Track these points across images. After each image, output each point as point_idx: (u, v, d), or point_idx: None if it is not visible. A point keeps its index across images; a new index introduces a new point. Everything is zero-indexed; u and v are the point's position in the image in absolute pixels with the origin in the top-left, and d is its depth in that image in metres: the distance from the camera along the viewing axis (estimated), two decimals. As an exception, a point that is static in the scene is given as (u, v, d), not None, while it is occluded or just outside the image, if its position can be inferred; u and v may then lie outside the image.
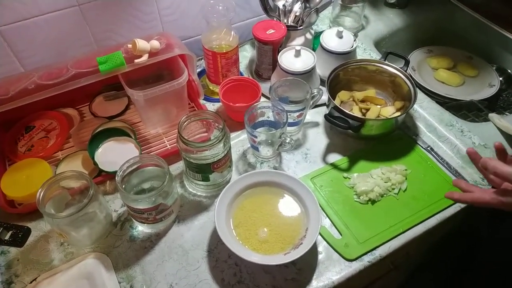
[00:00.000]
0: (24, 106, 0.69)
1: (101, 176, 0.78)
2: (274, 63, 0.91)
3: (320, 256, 0.68)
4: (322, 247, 0.69)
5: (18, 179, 0.75)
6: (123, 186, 0.66)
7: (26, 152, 0.82)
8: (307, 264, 0.67)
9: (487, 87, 1.03)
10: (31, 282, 0.66)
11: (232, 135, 0.87)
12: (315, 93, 0.82)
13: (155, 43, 0.74)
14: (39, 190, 0.63)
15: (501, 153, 0.60)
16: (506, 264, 0.89)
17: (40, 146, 0.83)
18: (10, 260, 0.69)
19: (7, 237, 0.60)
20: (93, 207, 0.67)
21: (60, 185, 0.68)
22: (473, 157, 0.63)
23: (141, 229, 0.73)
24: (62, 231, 0.66)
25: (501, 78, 1.07)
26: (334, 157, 0.82)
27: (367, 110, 0.86)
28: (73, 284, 0.66)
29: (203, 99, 0.94)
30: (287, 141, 0.75)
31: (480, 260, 0.99)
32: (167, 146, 0.84)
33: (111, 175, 0.77)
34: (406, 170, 0.78)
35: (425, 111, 0.87)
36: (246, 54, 1.04)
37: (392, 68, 0.85)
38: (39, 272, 0.67)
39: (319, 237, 0.70)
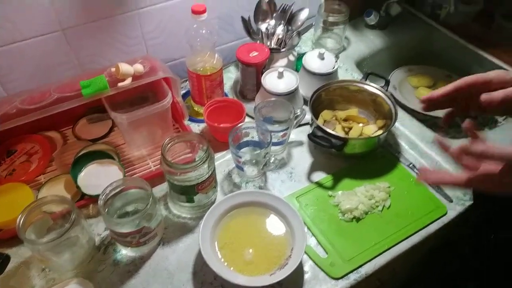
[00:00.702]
0: (5, 130, 0.68)
1: (84, 200, 0.77)
2: (258, 84, 0.92)
3: (306, 276, 0.68)
4: (308, 266, 0.69)
5: (-1, 204, 0.74)
6: (106, 210, 0.65)
7: (7, 177, 0.81)
8: (293, 284, 0.67)
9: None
10: (10, 311, 0.64)
11: (217, 155, 0.87)
12: (299, 113, 0.83)
13: (138, 67, 0.74)
14: (19, 216, 0.62)
15: (443, 145, 0.58)
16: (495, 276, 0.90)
17: (22, 170, 0.82)
18: (-11, 288, 0.67)
19: (-15, 265, 0.58)
20: (75, 231, 0.65)
21: (42, 209, 0.67)
22: (442, 144, 0.59)
23: (124, 252, 0.72)
24: (43, 257, 0.64)
25: (479, 96, 1.10)
26: (319, 176, 0.83)
27: (350, 129, 0.87)
28: (54, 312, 0.64)
29: (188, 120, 0.94)
30: (272, 160, 0.76)
31: (468, 273, 1.00)
32: (151, 168, 0.84)
33: (94, 199, 0.76)
34: (389, 187, 0.79)
35: (406, 129, 0.89)
36: (231, 76, 1.06)
37: (373, 87, 0.87)
38: (19, 300, 0.66)
39: (305, 256, 0.70)
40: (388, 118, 0.85)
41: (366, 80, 0.91)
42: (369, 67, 1.13)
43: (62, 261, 0.67)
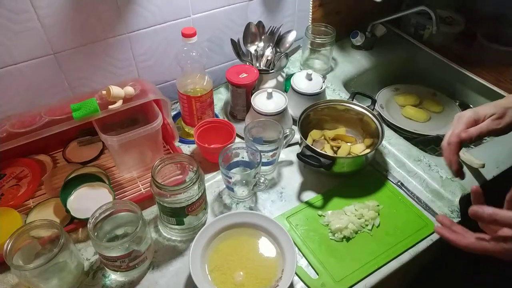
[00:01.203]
0: (-6, 154, 0.68)
1: (74, 224, 0.76)
2: (248, 105, 0.93)
3: (297, 297, 0.68)
4: (299, 287, 0.69)
5: (-14, 229, 0.73)
6: (95, 234, 0.65)
7: (-4, 201, 0.80)
8: (285, 306, 0.66)
9: (451, 121, 1.07)
10: None
11: (208, 176, 0.88)
12: (288, 133, 0.85)
13: (129, 89, 0.75)
14: (7, 242, 0.61)
15: (478, 197, 0.59)
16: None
17: (11, 195, 0.81)
18: (-26, 317, 0.66)
19: (-30, 293, 0.57)
20: (64, 256, 0.65)
21: (30, 234, 0.66)
22: (475, 198, 0.59)
23: (114, 277, 0.71)
24: (30, 284, 0.63)
25: (464, 113, 1.13)
26: (309, 195, 0.83)
27: (338, 148, 0.88)
28: None
29: (179, 141, 0.95)
30: (262, 180, 0.76)
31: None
32: (141, 190, 0.84)
33: (84, 222, 0.75)
34: (378, 205, 0.79)
35: (393, 147, 0.91)
36: (221, 97, 1.07)
37: (360, 107, 0.89)
38: (5, 329, 0.64)
39: (296, 277, 0.70)
40: (375, 137, 0.87)
41: (353, 99, 0.92)
42: (356, 87, 1.15)
43: (50, 287, 0.66)
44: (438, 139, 1.03)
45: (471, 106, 1.16)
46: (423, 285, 1.06)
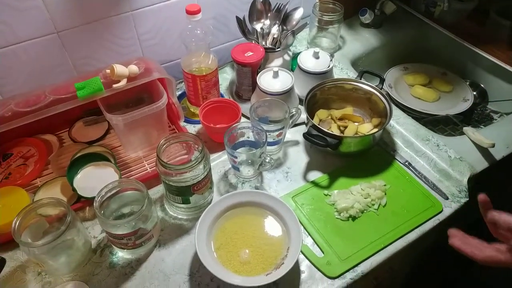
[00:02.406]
0: (1, 133, 0.68)
1: (80, 202, 0.77)
2: (254, 84, 0.92)
3: (302, 275, 0.68)
4: (304, 266, 0.69)
5: (-5, 208, 0.74)
6: (102, 212, 0.65)
7: (3, 180, 0.81)
8: (290, 283, 0.67)
9: (461, 101, 1.06)
10: (7, 315, 0.64)
11: (213, 156, 0.87)
12: (294, 113, 0.83)
13: (133, 68, 0.74)
14: (15, 219, 0.62)
15: (486, 205, 0.58)
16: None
17: (18, 174, 0.82)
18: (-14, 293, 0.67)
19: (-19, 268, 0.58)
20: (71, 234, 0.65)
21: (37, 212, 0.67)
22: (484, 207, 0.58)
23: (121, 255, 0.72)
24: (39, 261, 0.64)
25: (474, 93, 1.11)
26: (315, 175, 0.83)
27: (345, 127, 0.87)
28: (51, 315, 0.64)
29: (184, 121, 0.94)
30: (267, 160, 0.76)
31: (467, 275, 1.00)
32: (147, 170, 0.84)
33: (90, 201, 0.76)
34: (385, 185, 0.79)
35: (401, 127, 0.89)
36: (227, 76, 1.06)
37: (368, 86, 0.87)
38: (15, 304, 0.66)
39: (301, 256, 0.70)
40: (383, 116, 0.85)
41: (361, 78, 0.91)
42: (365, 66, 1.13)
43: (58, 264, 0.67)
44: (448, 119, 1.01)
45: (481, 85, 1.13)
46: (428, 264, 1.06)
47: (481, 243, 0.58)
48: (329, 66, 0.91)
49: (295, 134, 0.91)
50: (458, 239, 0.60)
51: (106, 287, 0.67)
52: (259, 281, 0.62)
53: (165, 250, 0.72)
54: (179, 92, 1.01)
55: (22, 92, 0.78)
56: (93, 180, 0.78)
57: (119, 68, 0.72)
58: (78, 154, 0.82)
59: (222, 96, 0.99)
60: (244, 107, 0.92)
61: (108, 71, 0.73)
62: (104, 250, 0.72)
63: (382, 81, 0.89)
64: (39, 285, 0.68)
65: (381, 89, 0.87)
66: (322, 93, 0.89)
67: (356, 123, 0.88)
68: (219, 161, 0.87)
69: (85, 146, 0.87)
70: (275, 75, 0.86)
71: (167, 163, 0.67)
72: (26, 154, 0.85)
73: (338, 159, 0.85)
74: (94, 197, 0.65)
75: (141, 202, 0.67)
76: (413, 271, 1.02)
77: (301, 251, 0.70)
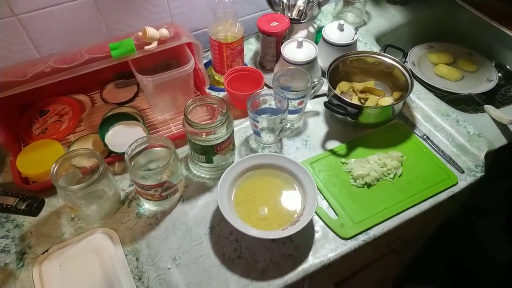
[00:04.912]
0: (39, 91, 0.73)
1: (111, 157, 0.82)
2: (278, 55, 0.94)
3: (316, 235, 0.72)
4: (318, 226, 0.73)
5: (32, 158, 0.79)
6: (132, 163, 0.70)
7: (40, 135, 0.87)
8: (304, 241, 0.71)
9: (485, 81, 1.05)
10: (43, 253, 0.70)
11: (236, 122, 0.91)
12: (316, 82, 0.86)
13: (164, 31, 0.78)
14: (53, 165, 0.67)
15: None
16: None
17: (53, 129, 0.88)
18: (24, 233, 0.73)
19: (23, 207, 0.64)
20: (103, 184, 0.70)
21: (72, 163, 0.72)
22: None
23: (147, 206, 0.77)
24: (73, 205, 0.70)
25: (499, 74, 1.10)
26: (333, 144, 0.85)
27: (366, 100, 0.89)
28: (82, 256, 0.70)
29: (209, 89, 0.97)
30: (288, 126, 0.79)
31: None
32: (173, 131, 0.88)
33: (120, 157, 0.80)
34: (402, 156, 0.81)
35: (422, 102, 0.90)
36: (251, 47, 1.08)
37: (390, 59, 0.88)
38: (50, 244, 0.71)
39: (316, 217, 0.74)
40: (404, 90, 0.87)
41: (384, 52, 0.92)
42: (389, 43, 1.13)
43: (90, 211, 0.72)
44: (470, 98, 1.01)
45: (507, 67, 1.12)
46: (441, 240, 1.08)
47: None
48: (353, 39, 0.92)
49: (315, 105, 0.94)
50: None
51: (132, 234, 0.73)
52: (275, 235, 0.66)
53: (188, 204, 0.77)
54: (205, 61, 1.04)
55: (59, 51, 0.82)
56: (123, 137, 0.82)
57: (151, 31, 0.76)
58: (110, 113, 0.87)
59: (246, 66, 1.02)
60: (267, 78, 0.94)
61: (140, 33, 0.77)
62: (131, 201, 0.78)
63: (405, 55, 0.90)
64: (72, 229, 0.74)
65: (403, 63, 0.88)
66: (345, 66, 0.91)
67: (377, 97, 0.90)
68: (241, 127, 0.90)
69: (115, 106, 0.92)
70: (299, 45, 0.88)
71: (194, 122, 0.70)
72: (61, 112, 0.91)
73: (357, 131, 0.87)
74: (123, 153, 0.70)
75: (168, 158, 0.71)
76: (425, 246, 1.04)
77: (316, 213, 0.73)
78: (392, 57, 0.88)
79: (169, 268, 0.68)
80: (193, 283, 0.66)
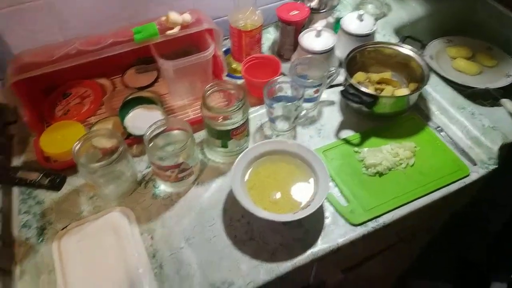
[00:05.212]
0: (63, 74, 0.76)
1: (130, 139, 0.85)
2: (296, 44, 0.95)
3: (326, 220, 0.73)
4: (329, 212, 0.74)
5: (55, 138, 0.82)
6: (150, 144, 0.72)
7: (62, 116, 0.90)
8: (314, 226, 0.72)
9: (504, 77, 1.04)
10: (62, 229, 0.73)
11: (251, 110, 0.92)
12: (333, 71, 0.86)
13: (187, 16, 0.80)
14: (76, 143, 0.70)
15: None
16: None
17: (75, 111, 0.91)
18: (45, 209, 0.76)
19: (46, 182, 0.67)
20: (122, 164, 0.73)
21: (93, 143, 0.75)
22: None
23: (163, 188, 0.79)
24: (93, 183, 0.73)
25: (519, 69, 1.08)
26: (347, 133, 0.86)
27: (382, 91, 0.89)
28: (99, 233, 0.72)
29: (226, 76, 0.99)
30: (303, 113, 0.80)
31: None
32: (190, 116, 0.90)
33: (138, 139, 0.83)
34: (415, 147, 0.81)
35: (438, 94, 0.90)
36: (270, 36, 1.09)
37: (408, 50, 0.88)
38: (69, 221, 0.74)
39: (327, 203, 0.75)
40: (420, 82, 0.86)
41: (403, 43, 0.91)
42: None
43: (108, 190, 0.75)
44: (487, 92, 1.00)
45: (528, 62, 1.10)
46: (451, 233, 1.08)
47: None
48: (372, 30, 0.93)
49: (331, 94, 0.95)
50: None
51: (148, 214, 0.75)
52: (286, 218, 0.68)
53: (202, 187, 0.79)
54: (223, 49, 1.05)
55: (84, 35, 0.85)
56: (142, 120, 0.84)
57: (174, 16, 0.78)
58: (130, 97, 0.90)
59: (263, 54, 1.03)
60: (284, 67, 0.95)
61: (163, 18, 0.79)
62: (148, 183, 0.80)
63: (423, 46, 0.90)
64: (90, 207, 0.77)
65: (421, 54, 0.88)
66: (362, 56, 0.91)
67: (394, 88, 0.90)
68: (256, 115, 0.92)
69: (136, 91, 0.94)
70: (318, 34, 0.89)
71: (212, 106, 0.72)
72: (83, 95, 0.94)
73: (372, 121, 0.88)
74: (142, 135, 0.72)
75: (185, 141, 0.73)
76: (435, 238, 1.04)
77: (327, 199, 0.75)
78: (409, 48, 0.88)
79: (182, 248, 0.71)
80: (205, 262, 0.69)
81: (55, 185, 0.67)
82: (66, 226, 0.74)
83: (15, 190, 0.79)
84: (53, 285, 0.66)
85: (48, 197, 0.78)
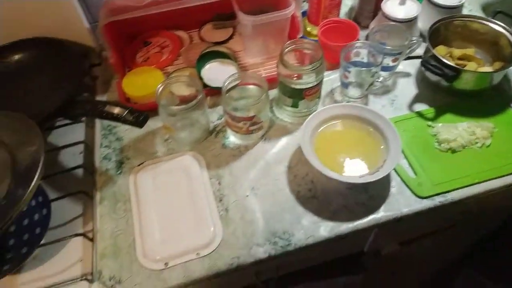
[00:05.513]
0: (145, 23, 0.81)
1: (205, 91, 0.87)
2: (375, 12, 0.93)
3: (392, 189, 0.73)
4: (395, 182, 0.74)
5: (136, 81, 0.87)
6: (227, 95, 0.75)
7: (142, 62, 0.95)
8: (379, 193, 0.72)
9: None
10: (138, 165, 0.79)
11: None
12: (414, 41, 0.84)
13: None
14: (159, 85, 0.74)
15: None
16: None
17: (155, 59, 0.95)
18: (124, 146, 0.83)
19: (130, 118, 0.72)
20: (198, 112, 0.77)
21: (171, 89, 0.79)
22: None
23: (232, 140, 0.82)
24: (170, 125, 0.77)
25: None
26: (421, 107, 0.84)
27: (463, 67, 0.85)
28: (172, 172, 0.77)
29: (300, 38, 0.99)
30: (380, 79, 0.78)
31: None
32: (262, 75, 0.92)
33: (213, 91, 0.86)
34: (493, 128, 0.78)
35: (526, 76, 0.85)
36: (348, 2, 1.07)
37: (499, 26, 0.83)
38: (145, 159, 0.80)
39: (394, 173, 0.74)
40: (507, 62, 0.82)
41: (493, 18, 0.86)
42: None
43: (183, 135, 0.80)
44: None
45: None
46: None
47: None
48: (460, 2, 0.88)
49: (407, 66, 0.92)
50: None
51: (217, 162, 0.79)
52: (352, 180, 0.69)
53: (270, 143, 0.81)
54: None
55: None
56: (217, 73, 0.87)
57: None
58: (207, 50, 0.92)
59: (340, 20, 1.01)
60: (361, 34, 0.93)
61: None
62: (219, 133, 0.84)
63: (517, 24, 0.84)
64: (164, 149, 0.82)
65: (513, 32, 0.82)
66: (447, 29, 0.87)
67: (477, 65, 0.86)
68: (328, 79, 0.91)
69: (211, 45, 0.97)
70: (402, 1, 0.86)
71: (289, 63, 0.73)
72: (162, 44, 0.98)
73: (449, 97, 0.85)
74: (216, 87, 0.75)
75: (258, 96, 0.75)
76: (501, 228, 1.01)
77: (395, 169, 0.74)
78: (502, 24, 0.83)
79: (247, 196, 0.74)
80: (268, 212, 0.72)
81: (139, 122, 0.71)
82: (142, 163, 0.79)
83: (98, 125, 0.86)
84: (128, 212, 0.73)
85: (127, 135, 0.84)
